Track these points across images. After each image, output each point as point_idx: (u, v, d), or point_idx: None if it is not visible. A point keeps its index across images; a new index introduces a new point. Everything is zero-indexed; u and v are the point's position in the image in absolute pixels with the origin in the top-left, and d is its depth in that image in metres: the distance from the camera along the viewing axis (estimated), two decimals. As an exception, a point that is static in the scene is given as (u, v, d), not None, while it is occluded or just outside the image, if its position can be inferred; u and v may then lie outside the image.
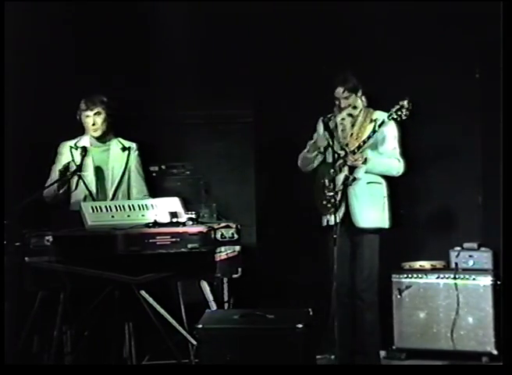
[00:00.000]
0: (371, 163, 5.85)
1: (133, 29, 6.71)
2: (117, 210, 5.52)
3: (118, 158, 6.04)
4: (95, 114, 5.99)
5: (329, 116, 5.98)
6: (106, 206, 5.53)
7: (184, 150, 6.76)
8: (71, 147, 5.99)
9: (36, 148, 6.36)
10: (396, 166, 5.97)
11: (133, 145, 6.09)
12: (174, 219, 5.46)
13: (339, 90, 5.92)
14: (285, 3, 6.59)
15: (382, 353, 6.35)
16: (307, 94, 6.50)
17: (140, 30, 6.68)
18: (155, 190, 6.08)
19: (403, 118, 5.74)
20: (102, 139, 6.05)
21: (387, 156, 5.96)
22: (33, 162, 6.31)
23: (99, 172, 5.97)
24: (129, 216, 5.51)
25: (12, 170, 5.65)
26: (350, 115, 5.94)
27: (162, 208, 5.53)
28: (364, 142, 5.82)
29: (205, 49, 6.76)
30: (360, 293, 5.90)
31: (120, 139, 6.10)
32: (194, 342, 5.37)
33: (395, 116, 5.75)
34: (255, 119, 6.84)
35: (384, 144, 5.94)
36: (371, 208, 5.90)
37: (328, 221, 5.90)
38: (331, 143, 5.86)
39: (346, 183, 5.83)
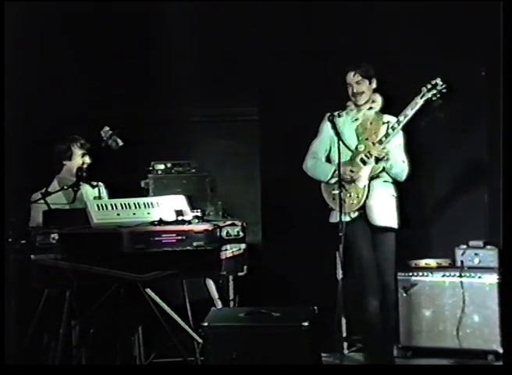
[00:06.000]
0: (392, 160, 5.76)
1: (137, 27, 6.72)
2: (123, 208, 5.52)
3: (89, 194, 5.94)
4: (89, 155, 5.98)
5: (337, 113, 5.77)
6: (112, 204, 5.53)
7: (190, 148, 6.77)
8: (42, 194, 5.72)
9: (36, 145, 6.39)
10: (406, 171, 5.89)
11: (100, 183, 6.00)
12: (179, 217, 5.46)
13: (350, 74, 5.74)
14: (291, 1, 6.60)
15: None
16: (313, 91, 6.50)
17: (145, 28, 6.70)
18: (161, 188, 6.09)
19: (438, 96, 5.54)
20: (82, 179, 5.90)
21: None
22: (34, 161, 6.33)
23: None
24: (134, 213, 5.51)
25: (12, 169, 5.64)
26: (370, 108, 5.77)
27: (168, 206, 5.54)
28: (388, 134, 5.69)
29: (211, 46, 6.77)
30: (386, 289, 5.87)
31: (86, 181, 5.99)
32: (200, 340, 5.38)
33: (429, 96, 5.56)
34: (261, 117, 6.84)
35: (394, 150, 5.82)
36: (385, 207, 5.84)
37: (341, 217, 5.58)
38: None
39: (373, 175, 5.72)
